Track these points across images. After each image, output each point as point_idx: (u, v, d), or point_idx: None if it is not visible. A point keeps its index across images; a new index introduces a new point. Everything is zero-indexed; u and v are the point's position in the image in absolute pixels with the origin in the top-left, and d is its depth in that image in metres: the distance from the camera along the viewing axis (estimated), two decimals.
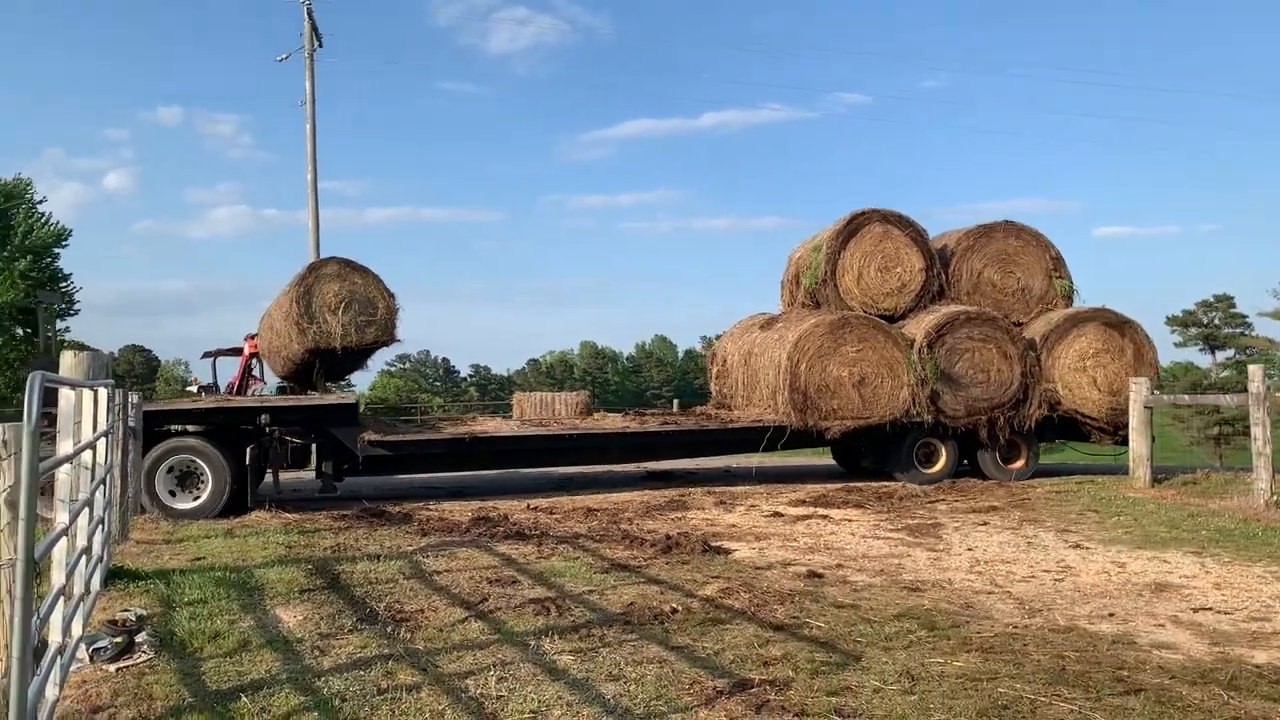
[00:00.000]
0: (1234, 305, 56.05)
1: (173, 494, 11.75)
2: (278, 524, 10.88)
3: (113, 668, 5.35)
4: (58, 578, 4.81)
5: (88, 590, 5.73)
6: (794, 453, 15.38)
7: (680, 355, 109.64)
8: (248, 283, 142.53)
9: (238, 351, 17.52)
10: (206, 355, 18.47)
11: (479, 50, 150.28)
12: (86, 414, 6.06)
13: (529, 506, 12.28)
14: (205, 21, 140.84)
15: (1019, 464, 14.74)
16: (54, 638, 4.53)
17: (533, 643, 5.80)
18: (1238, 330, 56.19)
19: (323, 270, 13.43)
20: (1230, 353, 56.90)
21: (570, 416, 14.95)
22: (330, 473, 12.85)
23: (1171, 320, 57.29)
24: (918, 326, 14.47)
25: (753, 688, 4.92)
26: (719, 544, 9.27)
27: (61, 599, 4.62)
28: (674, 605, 6.66)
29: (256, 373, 17.24)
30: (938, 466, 14.51)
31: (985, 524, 10.63)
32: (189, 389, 20.58)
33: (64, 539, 4.82)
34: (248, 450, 12.13)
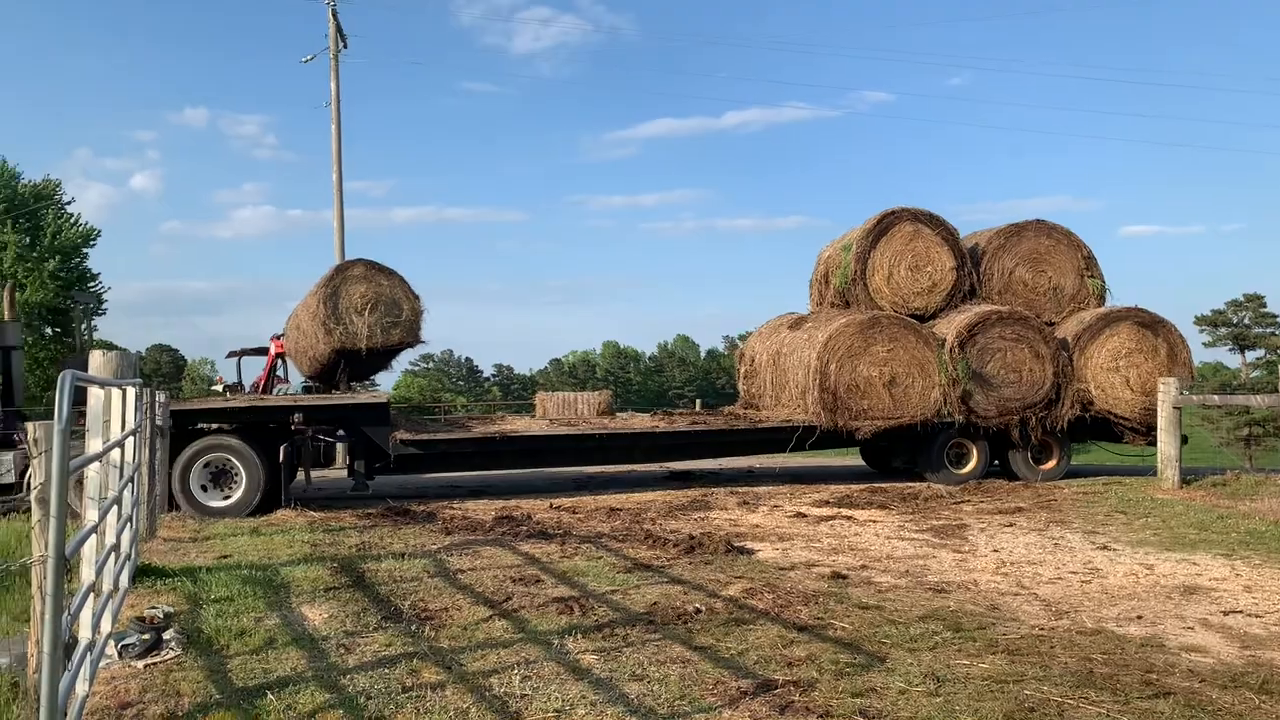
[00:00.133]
0: (1264, 304, 55.31)
1: (204, 489, 11.89)
2: (303, 522, 10.95)
3: (141, 664, 5.40)
4: (87, 574, 4.85)
5: (116, 587, 5.78)
6: (816, 453, 15.33)
7: (703, 355, 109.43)
8: (272, 283, 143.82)
9: (263, 351, 17.65)
10: (232, 355, 18.63)
11: (502, 50, 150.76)
12: (115, 412, 6.13)
13: (551, 506, 12.30)
14: (229, 23, 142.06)
15: (1051, 464, 14.62)
16: (84, 634, 4.58)
17: (556, 642, 5.80)
18: (1268, 330, 55.48)
19: (350, 272, 13.56)
20: (1260, 353, 56.18)
21: (592, 416, 14.96)
22: (363, 471, 12.98)
23: (1200, 320, 56.63)
24: (949, 326, 14.38)
25: (777, 689, 4.90)
26: (742, 544, 9.25)
27: (91, 596, 4.67)
28: (697, 605, 6.65)
29: (280, 373, 17.37)
30: (969, 467, 14.43)
31: (1011, 525, 10.55)
32: (214, 388, 20.77)
33: (94, 536, 4.87)
34: (281, 449, 12.27)
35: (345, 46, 26.93)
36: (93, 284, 38.14)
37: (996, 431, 14.25)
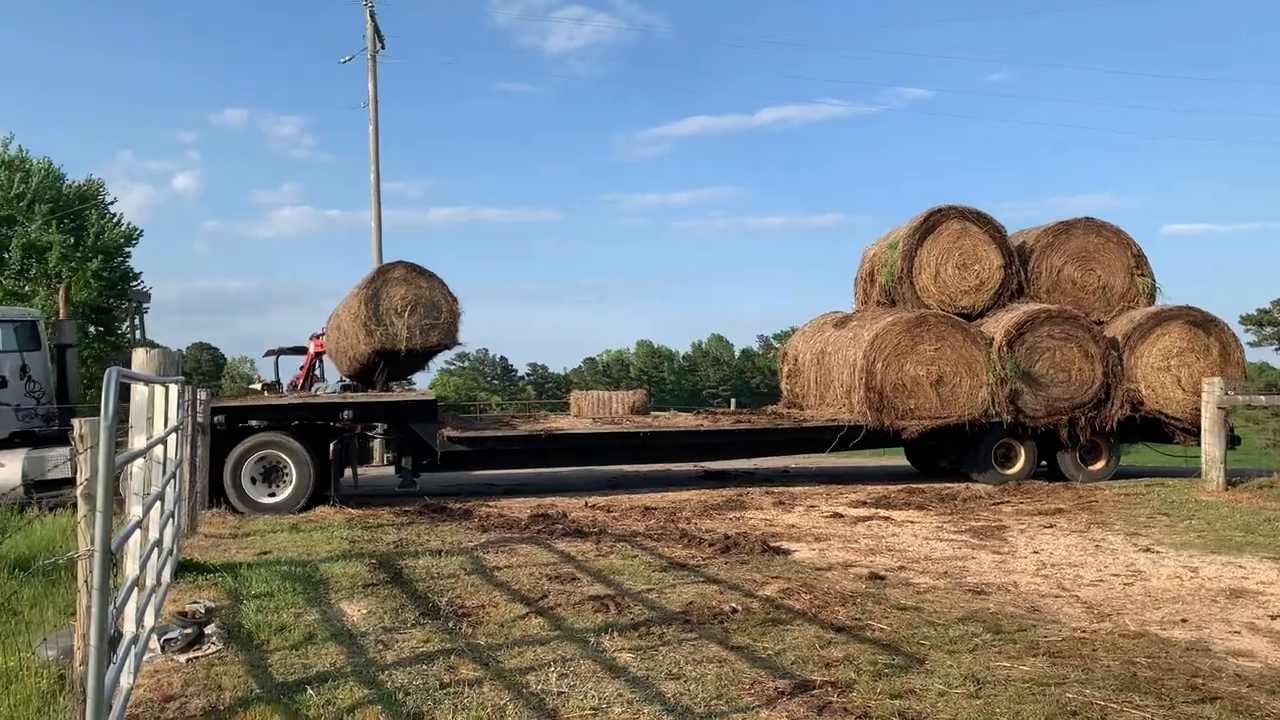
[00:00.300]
0: None
1: (253, 482, 12.08)
2: (341, 519, 11.06)
3: (183, 658, 5.47)
4: (131, 569, 4.92)
5: (158, 582, 5.86)
6: (853, 454, 15.24)
7: (737, 354, 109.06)
8: (310, 282, 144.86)
9: (299, 350, 17.85)
10: (269, 353, 18.86)
11: (537, 50, 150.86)
12: (158, 410, 6.21)
13: (586, 504, 12.33)
14: (267, 22, 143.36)
15: (1099, 465, 14.44)
16: (128, 628, 4.64)
17: (592, 640, 5.81)
18: None
19: (390, 274, 13.73)
20: None
21: (627, 415, 14.97)
22: (410, 468, 13.11)
23: (1246, 319, 55.57)
24: (997, 325, 14.24)
25: (814, 689, 4.88)
26: (778, 544, 9.21)
27: (135, 590, 4.73)
28: (734, 605, 6.63)
29: (317, 372, 17.56)
30: (1016, 467, 14.28)
31: (1051, 526, 10.42)
32: (252, 386, 21.01)
33: (138, 531, 4.94)
34: (330, 446, 12.44)
35: (383, 48, 27.07)
36: (135, 283, 38.69)
37: (1045, 431, 14.09)
